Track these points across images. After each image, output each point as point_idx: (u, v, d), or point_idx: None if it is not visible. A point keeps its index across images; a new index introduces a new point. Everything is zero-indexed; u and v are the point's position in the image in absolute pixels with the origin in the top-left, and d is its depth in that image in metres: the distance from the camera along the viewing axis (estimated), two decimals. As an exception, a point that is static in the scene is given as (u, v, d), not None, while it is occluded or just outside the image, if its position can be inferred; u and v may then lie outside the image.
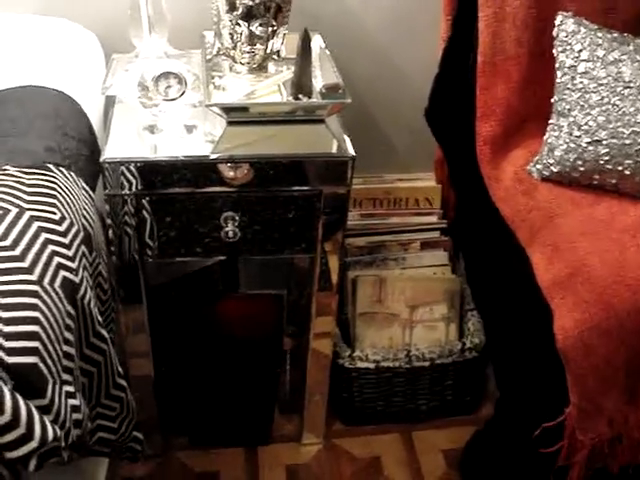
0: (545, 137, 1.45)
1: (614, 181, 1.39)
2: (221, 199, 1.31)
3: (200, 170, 1.27)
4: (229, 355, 1.66)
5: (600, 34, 1.37)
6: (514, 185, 1.47)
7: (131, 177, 1.26)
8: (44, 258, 0.98)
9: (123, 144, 1.28)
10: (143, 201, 1.29)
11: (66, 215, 1.07)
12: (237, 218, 1.33)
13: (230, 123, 1.33)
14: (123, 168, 1.24)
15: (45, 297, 0.94)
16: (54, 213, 1.05)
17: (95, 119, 1.38)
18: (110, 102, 1.43)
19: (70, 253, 1.03)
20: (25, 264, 0.95)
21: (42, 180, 1.08)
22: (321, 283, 1.46)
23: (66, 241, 1.04)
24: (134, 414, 1.20)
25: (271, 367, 1.69)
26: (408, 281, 1.68)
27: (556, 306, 1.30)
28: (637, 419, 1.34)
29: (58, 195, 1.08)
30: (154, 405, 1.61)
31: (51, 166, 1.12)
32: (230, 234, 1.32)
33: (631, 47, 1.35)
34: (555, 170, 1.42)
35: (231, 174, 1.28)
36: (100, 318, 1.10)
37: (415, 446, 1.70)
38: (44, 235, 1.00)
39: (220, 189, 1.29)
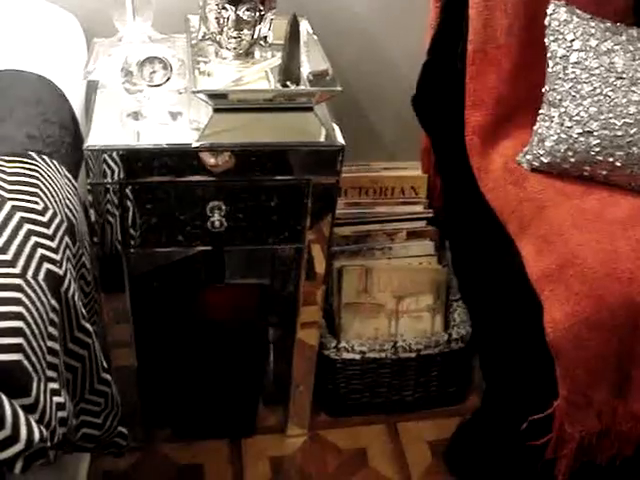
0: (535, 127, 1.43)
1: (605, 172, 1.38)
2: (207, 188, 1.28)
3: (185, 158, 1.24)
4: (213, 345, 1.63)
5: (593, 24, 1.35)
6: (503, 176, 1.45)
7: (114, 165, 1.22)
8: (27, 250, 0.95)
9: (106, 131, 1.25)
10: (127, 190, 1.26)
11: (49, 205, 1.03)
12: (223, 207, 1.30)
13: (216, 110, 1.30)
14: (106, 156, 1.21)
15: (29, 291, 0.90)
16: (37, 203, 1.01)
17: (77, 105, 1.34)
18: (92, 87, 1.39)
19: (54, 244, 1.00)
20: (8, 257, 0.91)
21: (24, 169, 1.05)
22: (307, 272, 1.44)
23: (49, 232, 1.00)
24: (119, 408, 1.17)
25: (255, 358, 1.67)
26: (394, 271, 1.67)
27: (546, 298, 1.29)
28: (625, 412, 1.34)
29: (40, 184, 1.04)
30: (137, 396, 1.58)
31: (33, 154, 1.09)
32: (216, 224, 1.29)
33: (624, 37, 1.34)
34: (545, 161, 1.41)
35: (217, 162, 1.25)
36: (84, 311, 1.07)
37: (401, 437, 1.69)
38: (27, 226, 0.97)
39: (206, 178, 1.26)
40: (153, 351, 1.62)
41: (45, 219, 1.01)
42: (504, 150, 1.50)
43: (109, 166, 1.22)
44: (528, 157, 1.43)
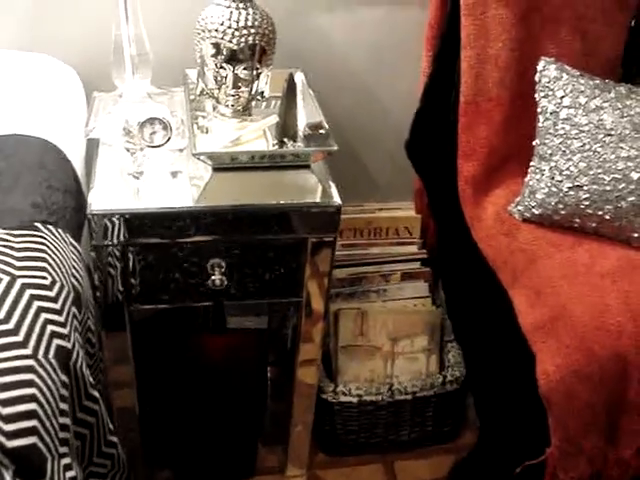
0: (526, 179, 1.47)
1: (594, 225, 1.42)
2: (207, 246, 1.31)
3: (186, 220, 1.27)
4: (212, 388, 1.66)
5: (582, 81, 1.39)
6: (495, 225, 1.49)
7: (116, 228, 1.25)
8: (37, 329, 0.98)
9: (108, 193, 1.28)
10: (129, 251, 1.29)
11: (57, 278, 1.06)
12: (223, 264, 1.33)
13: (216, 169, 1.33)
14: (108, 220, 1.24)
15: (40, 371, 0.93)
16: (45, 278, 1.04)
17: (78, 164, 1.36)
18: (93, 144, 1.42)
19: (62, 319, 1.03)
20: (19, 338, 0.94)
21: (31, 242, 1.08)
22: (306, 310, 1.47)
23: (57, 306, 1.03)
24: (125, 468, 1.20)
25: (254, 400, 1.70)
26: (389, 314, 1.70)
27: (538, 350, 1.33)
28: (616, 458, 1.38)
29: (48, 257, 1.07)
30: (138, 437, 1.61)
31: (39, 225, 1.11)
32: (217, 282, 1.32)
33: (612, 94, 1.38)
34: (536, 212, 1.44)
35: (217, 223, 1.28)
36: (91, 378, 1.10)
37: (397, 476, 1.72)
38: (36, 303, 1.00)
39: (206, 238, 1.29)
40: (154, 392, 1.65)
41: (53, 293, 1.04)
42: (496, 199, 1.53)
43: (111, 228, 1.25)
44: (519, 208, 1.47)
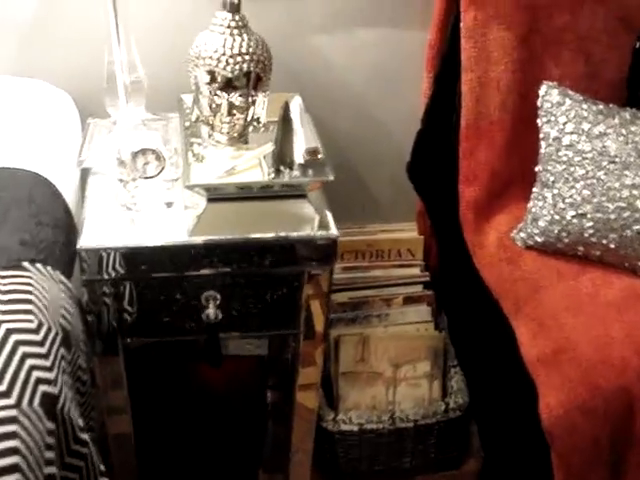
0: (529, 205, 1.44)
1: (599, 253, 1.39)
2: (202, 279, 1.29)
3: (180, 255, 1.24)
4: (210, 415, 1.64)
5: (585, 106, 1.36)
6: (498, 253, 1.46)
7: (108, 263, 1.23)
8: (22, 376, 0.95)
9: (99, 227, 1.25)
10: (121, 285, 1.26)
11: (43, 320, 1.04)
12: (218, 297, 1.30)
13: (210, 200, 1.31)
14: (98, 255, 1.22)
15: (24, 421, 0.91)
16: (31, 321, 1.02)
17: (71, 195, 1.34)
18: (87, 172, 1.40)
19: (48, 363, 1.00)
20: (3, 387, 0.92)
21: (17, 284, 1.05)
22: (306, 331, 1.44)
23: (44, 351, 1.01)
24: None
25: (254, 426, 1.68)
26: (391, 339, 1.67)
27: (541, 383, 1.30)
28: (622, 493, 1.35)
29: (34, 299, 1.05)
30: (135, 464, 1.59)
31: (26, 264, 1.09)
32: (211, 315, 1.29)
33: (616, 120, 1.34)
34: (539, 240, 1.41)
35: (211, 257, 1.25)
36: (80, 421, 1.07)
37: (399, 504, 1.70)
38: (21, 349, 0.97)
39: (201, 272, 1.26)
40: (151, 418, 1.63)
41: (39, 337, 1.01)
42: (498, 225, 1.50)
43: (102, 263, 1.23)
44: (522, 235, 1.44)
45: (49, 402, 0.97)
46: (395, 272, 1.79)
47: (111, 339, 1.34)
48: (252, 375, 1.64)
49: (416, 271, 1.80)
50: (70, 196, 1.34)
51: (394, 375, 1.68)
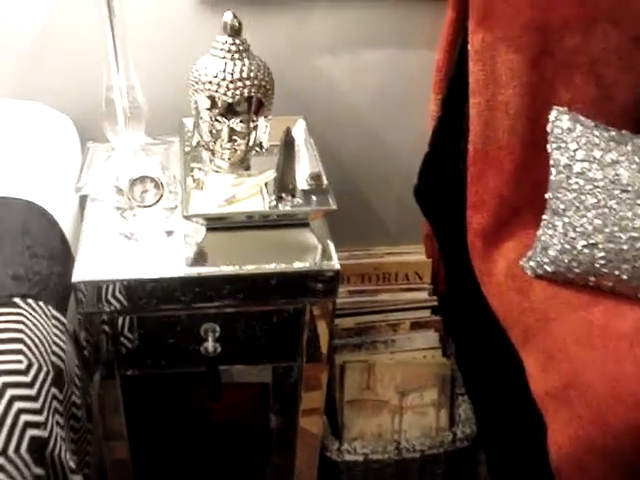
0: (539, 233, 1.39)
1: (610, 284, 1.34)
2: (201, 311, 1.25)
3: (178, 288, 1.21)
4: (213, 442, 1.61)
5: (597, 132, 1.31)
6: (506, 281, 1.41)
7: (103, 295, 1.20)
8: (10, 420, 0.93)
9: (96, 258, 1.22)
10: (117, 318, 1.23)
11: (33, 360, 1.01)
12: (217, 329, 1.27)
13: (210, 229, 1.28)
14: (93, 288, 1.18)
15: (10, 469, 0.89)
16: (20, 362, 0.99)
17: (68, 223, 1.31)
18: (87, 199, 1.38)
19: (38, 405, 0.98)
20: (-12, 433, 0.89)
21: (8, 322, 1.03)
22: (310, 353, 1.40)
23: (33, 392, 0.98)
24: None
25: (256, 454, 1.65)
26: (398, 367, 1.63)
27: (550, 420, 1.26)
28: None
29: (25, 337, 1.02)
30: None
31: (18, 300, 1.06)
32: (209, 348, 1.26)
33: (629, 147, 1.30)
34: (549, 270, 1.37)
35: (210, 290, 1.22)
36: (72, 463, 1.04)
37: (405, 535, 1.66)
38: (9, 392, 0.95)
39: (199, 305, 1.23)
40: (151, 444, 1.60)
41: (29, 378, 0.99)
42: (507, 252, 1.46)
43: (97, 296, 1.19)
44: (532, 264, 1.39)
45: (38, 447, 0.95)
46: (402, 296, 1.75)
47: (108, 370, 1.31)
48: (255, 402, 1.61)
49: (424, 295, 1.76)
50: (67, 224, 1.31)
51: (400, 403, 1.64)
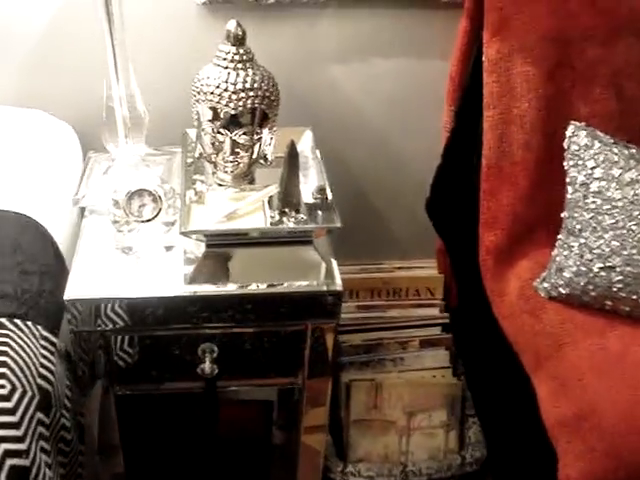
0: (554, 254, 1.33)
1: (628, 309, 1.28)
2: (198, 330, 1.21)
3: (176, 307, 1.17)
4: (213, 458, 1.57)
5: (616, 150, 1.25)
6: (519, 303, 1.35)
7: (97, 314, 1.15)
8: (-13, 449, 0.89)
9: (90, 275, 1.18)
10: (110, 337, 1.19)
11: (17, 384, 0.97)
12: (215, 349, 1.23)
13: (210, 246, 1.23)
14: (85, 306, 1.14)
15: (-15, 503, 0.85)
16: (3, 387, 0.95)
17: (63, 236, 1.27)
18: (87, 210, 1.34)
19: (20, 433, 0.94)
20: (-36, 464, 0.85)
21: (-7, 343, 0.99)
22: (313, 366, 1.35)
23: (15, 419, 0.94)
24: None
25: (258, 471, 1.60)
26: (406, 386, 1.57)
27: (562, 451, 1.20)
28: None
29: (9, 361, 0.98)
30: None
31: (4, 321, 1.03)
32: (207, 370, 1.21)
33: (649, 166, 1.23)
34: (564, 292, 1.31)
35: (209, 310, 1.17)
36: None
37: None
38: (-11, 419, 0.91)
39: (197, 324, 1.19)
40: (151, 460, 1.56)
41: (11, 404, 0.95)
42: (520, 272, 1.39)
43: (92, 315, 1.15)
44: (545, 285, 1.33)
45: (17, 476, 0.91)
46: (413, 312, 1.69)
47: (103, 388, 1.28)
48: (258, 418, 1.57)
49: (435, 312, 1.70)
50: (63, 238, 1.27)
51: (408, 424, 1.58)
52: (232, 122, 1.26)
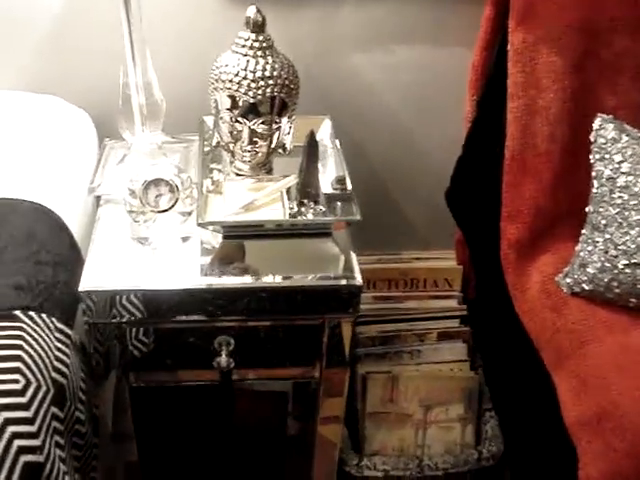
0: (577, 249, 1.30)
1: (653, 307, 1.25)
2: (215, 323, 1.19)
3: (191, 300, 1.15)
4: (228, 449, 1.56)
5: (644, 144, 1.22)
6: (540, 298, 1.33)
7: (112, 306, 1.14)
8: (2, 444, 0.88)
9: (105, 265, 1.16)
10: (125, 328, 1.18)
11: (32, 378, 0.95)
12: (232, 342, 1.21)
13: (226, 237, 1.21)
14: (100, 297, 1.13)
15: (1, 499, 0.84)
16: (17, 382, 0.93)
17: (79, 226, 1.25)
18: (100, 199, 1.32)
19: (34, 428, 0.93)
20: (-22, 462, 0.84)
21: (6, 337, 0.97)
22: (330, 357, 1.33)
23: (30, 414, 0.93)
24: None
25: (273, 463, 1.59)
26: (423, 379, 1.55)
27: (582, 450, 1.18)
28: None
29: (23, 354, 0.97)
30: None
31: (18, 313, 1.01)
32: (223, 363, 1.20)
33: (678, 162, 1.20)
34: (587, 288, 1.28)
35: (225, 303, 1.16)
36: (72, 485, 1.00)
37: None
38: (3, 414, 0.90)
39: (214, 317, 1.17)
40: (166, 450, 1.56)
41: (25, 399, 0.93)
42: (543, 266, 1.37)
43: (107, 306, 1.14)
44: (568, 280, 1.31)
45: (32, 472, 0.90)
46: (431, 304, 1.67)
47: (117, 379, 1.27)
48: (273, 409, 1.55)
49: (453, 303, 1.68)
50: (79, 227, 1.25)
51: (424, 417, 1.57)
52: (251, 111, 1.24)
